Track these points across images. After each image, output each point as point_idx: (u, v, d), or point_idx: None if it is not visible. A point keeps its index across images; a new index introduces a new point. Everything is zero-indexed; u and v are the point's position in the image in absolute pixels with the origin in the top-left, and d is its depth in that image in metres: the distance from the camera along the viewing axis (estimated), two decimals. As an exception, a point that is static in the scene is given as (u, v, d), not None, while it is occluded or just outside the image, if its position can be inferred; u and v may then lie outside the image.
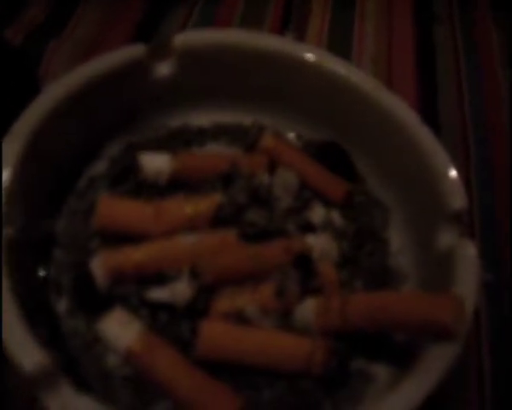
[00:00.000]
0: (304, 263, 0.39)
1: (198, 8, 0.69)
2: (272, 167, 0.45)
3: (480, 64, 0.67)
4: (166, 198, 0.43)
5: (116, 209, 0.42)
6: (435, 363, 0.33)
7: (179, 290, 0.38)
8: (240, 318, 0.37)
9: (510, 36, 0.69)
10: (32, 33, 0.64)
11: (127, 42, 0.45)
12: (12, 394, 0.40)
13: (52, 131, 0.42)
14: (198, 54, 0.48)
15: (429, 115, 0.59)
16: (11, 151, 0.39)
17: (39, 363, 0.31)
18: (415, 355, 0.35)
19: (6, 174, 0.38)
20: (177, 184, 0.44)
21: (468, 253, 0.38)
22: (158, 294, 0.38)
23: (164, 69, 0.48)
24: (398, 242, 0.45)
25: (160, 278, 0.39)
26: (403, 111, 0.44)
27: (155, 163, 0.44)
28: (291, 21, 0.69)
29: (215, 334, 0.36)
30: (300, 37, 0.66)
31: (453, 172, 0.41)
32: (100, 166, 0.47)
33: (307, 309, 0.37)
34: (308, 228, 0.42)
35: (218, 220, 0.41)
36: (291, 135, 0.50)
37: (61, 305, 0.40)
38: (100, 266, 0.38)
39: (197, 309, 0.38)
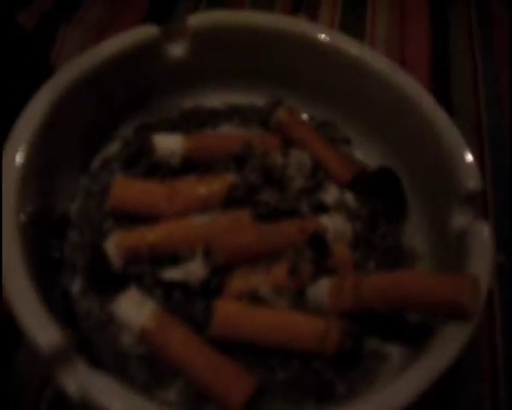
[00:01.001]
0: (318, 243, 0.39)
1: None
2: (286, 147, 0.45)
3: (495, 46, 0.66)
4: (179, 179, 0.43)
5: (129, 191, 0.42)
6: (449, 343, 0.33)
7: (193, 270, 0.38)
8: (253, 297, 0.37)
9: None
10: (44, 18, 0.64)
11: (139, 24, 0.45)
12: (25, 373, 0.40)
13: (65, 113, 0.42)
14: (211, 35, 0.47)
15: (443, 98, 0.59)
16: (24, 133, 0.39)
17: (56, 342, 0.31)
18: (428, 335, 0.35)
19: (20, 155, 0.38)
20: (191, 165, 0.44)
21: (482, 234, 0.37)
22: (172, 273, 0.38)
23: (177, 50, 0.47)
24: (411, 223, 0.45)
25: (174, 257, 0.39)
26: (418, 92, 0.44)
27: (168, 144, 0.44)
28: (302, 4, 0.68)
29: (229, 313, 0.37)
30: (312, 18, 0.66)
31: (468, 154, 0.41)
32: (113, 148, 0.47)
33: (321, 289, 0.37)
34: (321, 208, 0.42)
35: (232, 201, 0.41)
36: (304, 116, 0.50)
37: (76, 285, 0.40)
38: (114, 246, 0.39)
39: (211, 289, 0.38)
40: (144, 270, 0.39)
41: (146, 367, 0.36)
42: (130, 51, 0.45)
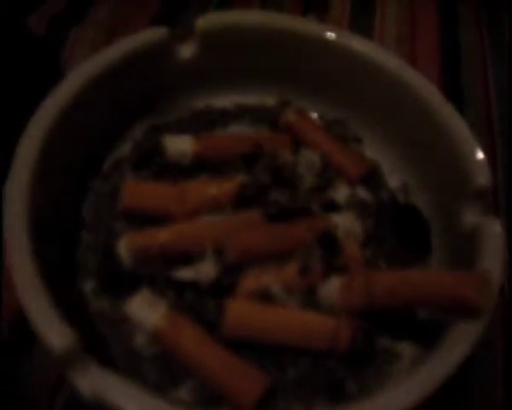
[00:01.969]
0: (328, 242, 0.39)
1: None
2: (295, 147, 0.45)
3: (505, 39, 0.65)
4: (190, 180, 0.43)
5: (140, 192, 0.42)
6: (460, 341, 0.33)
7: (204, 269, 0.38)
8: (265, 296, 0.38)
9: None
10: (55, 20, 0.64)
11: (149, 25, 0.45)
12: (37, 374, 0.41)
13: (76, 115, 0.42)
14: (220, 36, 0.48)
15: (453, 91, 0.59)
16: (36, 135, 0.39)
17: (68, 343, 0.31)
18: (440, 334, 0.35)
19: (31, 158, 0.38)
20: (201, 166, 0.44)
21: (494, 230, 0.37)
22: (183, 273, 0.39)
23: (187, 51, 0.48)
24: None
25: (186, 258, 0.39)
26: (427, 89, 0.44)
27: (179, 145, 0.44)
28: (312, 4, 0.68)
29: (240, 313, 0.37)
30: (322, 18, 0.66)
31: (478, 151, 0.41)
32: (125, 149, 0.47)
33: (332, 287, 0.37)
34: (332, 207, 0.42)
35: (242, 201, 0.41)
36: (314, 115, 0.50)
37: (89, 286, 0.40)
38: (125, 247, 0.39)
39: (222, 288, 0.38)
40: (156, 270, 0.39)
41: (158, 367, 0.36)
42: (140, 53, 0.45)
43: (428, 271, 0.40)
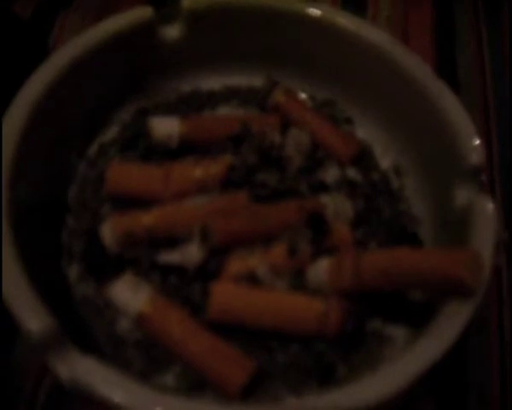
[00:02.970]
0: (317, 222, 0.38)
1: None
2: (284, 127, 0.44)
3: (501, 21, 0.64)
4: (177, 162, 0.42)
5: (126, 174, 0.41)
6: (451, 321, 0.32)
7: (190, 253, 0.37)
8: (252, 279, 0.37)
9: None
10: (41, 6, 0.63)
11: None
12: (22, 364, 0.40)
13: (61, 97, 0.41)
14: (206, 16, 0.47)
15: (447, 73, 0.58)
16: (18, 117, 0.38)
17: (46, 327, 0.31)
18: (432, 316, 0.34)
19: (13, 139, 0.37)
20: (188, 148, 0.43)
21: (486, 209, 0.36)
22: (168, 257, 0.38)
23: (172, 32, 0.47)
24: (415, 201, 0.44)
25: (171, 241, 0.38)
26: (417, 66, 0.43)
27: (165, 126, 0.43)
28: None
29: (226, 296, 0.36)
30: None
31: (470, 128, 0.40)
32: (111, 133, 0.46)
33: (320, 269, 0.37)
34: (321, 188, 0.41)
35: (230, 182, 0.40)
36: (304, 96, 0.49)
37: (73, 271, 0.40)
38: (110, 230, 0.38)
39: (208, 271, 0.37)
40: (141, 254, 0.38)
41: (143, 352, 0.36)
42: (124, 33, 0.44)
43: (418, 250, 0.39)
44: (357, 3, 0.65)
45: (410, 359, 0.31)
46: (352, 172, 0.44)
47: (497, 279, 0.45)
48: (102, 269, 0.38)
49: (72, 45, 0.43)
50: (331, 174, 0.43)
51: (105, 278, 0.38)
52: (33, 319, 0.31)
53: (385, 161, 0.46)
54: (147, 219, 0.38)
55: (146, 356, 0.36)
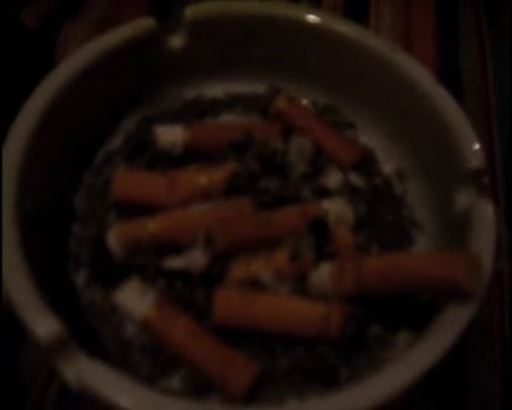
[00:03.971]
0: (319, 228, 0.39)
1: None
2: (287, 134, 0.45)
3: (504, 22, 0.65)
4: (181, 169, 0.43)
5: (131, 182, 0.42)
6: (450, 324, 0.32)
7: (194, 258, 0.38)
8: (255, 284, 0.37)
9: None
10: (48, 16, 0.64)
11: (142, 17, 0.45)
12: (30, 367, 0.41)
13: (66, 108, 0.42)
14: (208, 25, 0.47)
15: (450, 78, 0.58)
16: (24, 128, 0.39)
17: (54, 331, 0.31)
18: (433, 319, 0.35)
19: (20, 149, 0.38)
20: (192, 155, 0.44)
21: (486, 212, 0.37)
22: (173, 263, 0.38)
23: (176, 41, 0.47)
24: (417, 205, 0.44)
25: (176, 247, 0.39)
26: (418, 72, 0.43)
27: (170, 134, 0.44)
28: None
29: (229, 301, 0.36)
30: (316, 5, 0.65)
31: (470, 132, 0.40)
32: (116, 142, 0.47)
33: (322, 274, 0.37)
34: (323, 193, 0.42)
35: (233, 189, 0.41)
36: (306, 102, 0.50)
37: (80, 277, 0.40)
38: (115, 237, 0.39)
39: (213, 277, 0.38)
40: (146, 260, 0.39)
41: (149, 356, 0.36)
42: (129, 44, 0.45)
43: (418, 254, 0.39)
44: (358, 10, 0.65)
45: (410, 362, 0.32)
46: (355, 178, 0.44)
47: (499, 282, 0.46)
48: (109, 275, 0.39)
49: (78, 56, 0.43)
50: (333, 180, 0.43)
51: (111, 283, 0.39)
52: (41, 324, 0.31)
53: (387, 166, 0.47)
54: (152, 227, 0.39)
55: (152, 360, 0.36)
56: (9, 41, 0.54)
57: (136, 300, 0.37)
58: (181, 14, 0.47)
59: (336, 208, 0.40)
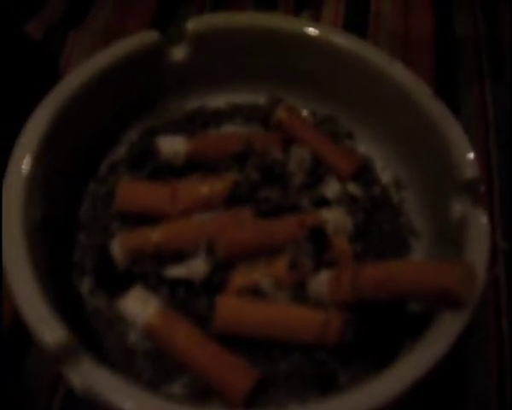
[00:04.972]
0: (318, 237, 0.40)
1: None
2: (287, 144, 0.46)
3: (501, 34, 0.66)
4: (183, 179, 0.44)
5: (134, 192, 0.43)
6: (445, 331, 0.33)
7: (196, 267, 0.39)
8: (255, 292, 0.38)
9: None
10: (52, 26, 0.65)
11: (145, 30, 0.46)
12: (36, 374, 0.42)
13: (71, 120, 0.43)
14: (210, 37, 0.48)
15: (447, 87, 0.59)
16: (30, 141, 0.40)
17: (61, 338, 0.32)
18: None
19: (27, 160, 0.39)
20: (194, 165, 0.45)
21: (480, 222, 0.38)
22: (176, 271, 0.39)
23: (179, 53, 0.48)
24: (414, 214, 0.45)
25: (178, 256, 0.40)
26: (415, 84, 0.44)
27: (171, 145, 0.45)
28: (305, 4, 0.68)
29: (230, 309, 0.37)
30: (316, 18, 0.66)
31: (465, 143, 0.41)
32: (120, 152, 0.48)
33: (321, 282, 0.38)
34: (322, 203, 0.43)
35: (234, 199, 0.42)
36: (305, 112, 0.51)
37: (85, 285, 0.41)
38: (119, 246, 0.40)
39: (214, 285, 0.39)
40: (149, 269, 0.40)
41: (152, 362, 0.37)
42: (132, 57, 0.46)
43: (414, 262, 0.40)
44: (357, 21, 0.66)
45: (405, 368, 0.32)
46: (353, 187, 0.45)
47: (495, 288, 0.46)
48: (113, 283, 0.40)
49: (82, 69, 0.44)
50: (332, 189, 0.44)
51: (115, 291, 0.40)
52: (48, 331, 0.32)
53: (385, 175, 0.47)
54: (155, 236, 0.40)
55: (155, 366, 0.37)
56: (13, 53, 0.55)
57: (139, 307, 0.38)
58: (183, 26, 0.48)
59: (335, 218, 0.41)
